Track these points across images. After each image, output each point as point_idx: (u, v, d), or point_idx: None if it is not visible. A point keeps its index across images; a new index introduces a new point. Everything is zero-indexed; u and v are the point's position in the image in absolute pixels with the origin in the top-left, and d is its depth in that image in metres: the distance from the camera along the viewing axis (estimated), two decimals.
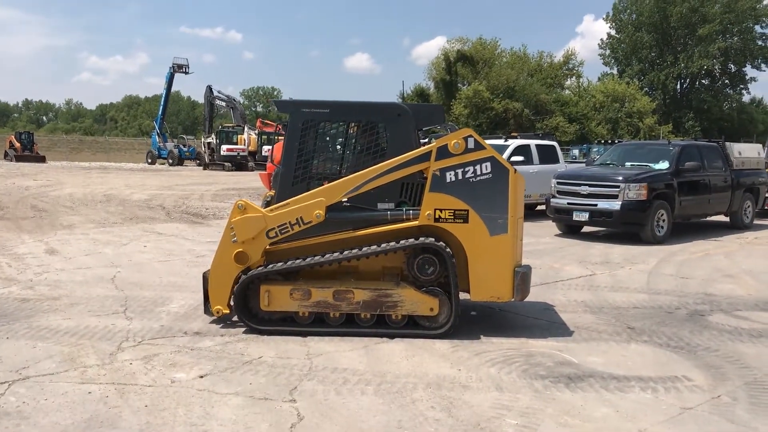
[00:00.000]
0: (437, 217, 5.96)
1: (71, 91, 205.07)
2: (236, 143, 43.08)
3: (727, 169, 13.71)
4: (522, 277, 6.03)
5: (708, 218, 14.31)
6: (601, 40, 76.60)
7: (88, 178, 28.14)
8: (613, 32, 74.37)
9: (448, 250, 5.89)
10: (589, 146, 52.35)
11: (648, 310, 7.21)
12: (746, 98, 75.40)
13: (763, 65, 71.21)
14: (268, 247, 6.11)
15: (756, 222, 15.02)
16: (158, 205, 17.14)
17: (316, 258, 6.05)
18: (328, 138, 6.50)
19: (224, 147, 41.93)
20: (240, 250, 6.07)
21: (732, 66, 71.82)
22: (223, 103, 49.77)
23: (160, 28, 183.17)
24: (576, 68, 75.84)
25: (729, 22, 67.11)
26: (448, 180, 5.95)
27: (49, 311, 6.65)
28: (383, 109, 6.43)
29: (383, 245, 6.00)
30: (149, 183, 25.69)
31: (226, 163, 41.01)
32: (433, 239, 5.93)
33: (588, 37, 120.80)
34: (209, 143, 44.79)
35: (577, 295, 7.82)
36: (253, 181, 28.80)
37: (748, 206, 14.44)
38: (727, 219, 14.51)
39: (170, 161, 48.03)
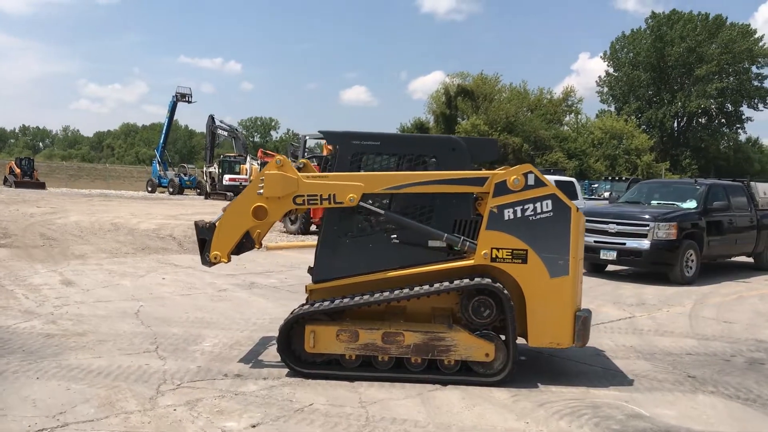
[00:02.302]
0: (494, 256, 5.66)
1: (68, 118, 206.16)
2: (239, 173, 42.82)
3: (752, 209, 13.48)
4: (583, 322, 5.70)
5: (731, 259, 14.04)
6: (599, 77, 77.39)
7: (92, 205, 27.76)
8: (611, 70, 74.94)
9: (506, 292, 5.58)
10: (590, 182, 52.50)
11: (702, 357, 6.88)
12: (742, 137, 75.90)
13: (760, 105, 71.84)
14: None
15: None
16: (168, 235, 16.79)
17: (366, 297, 5.73)
18: (377, 171, 6.20)
19: (227, 177, 41.64)
20: (262, 204, 5.81)
21: (729, 105, 72.36)
22: (225, 133, 49.59)
23: (160, 57, 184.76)
24: (575, 105, 76.41)
25: (726, 63, 67.76)
26: (506, 217, 5.66)
27: (76, 348, 6.30)
28: (436, 143, 6.18)
29: (436, 285, 5.69)
30: (154, 212, 25.32)
31: (228, 193, 40.63)
32: (489, 280, 5.63)
33: (583, 75, 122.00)
34: (211, 172, 44.54)
35: (624, 339, 7.50)
36: None
37: None
38: (750, 260, 14.23)
39: (171, 190, 47.72)
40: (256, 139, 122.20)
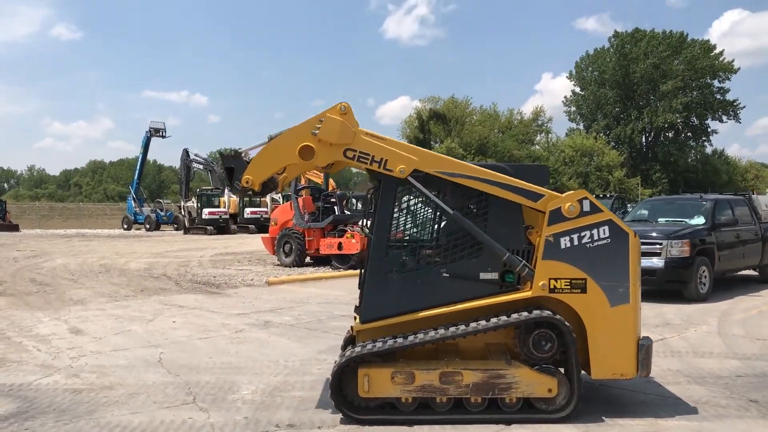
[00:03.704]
0: (552, 287, 5.45)
1: (33, 157, 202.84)
2: (218, 206, 42.37)
3: (756, 222, 13.51)
4: (646, 350, 5.50)
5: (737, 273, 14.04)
6: (565, 97, 78.41)
7: (72, 246, 27.15)
8: (577, 89, 75.94)
9: (568, 324, 5.37)
10: None
11: (754, 378, 6.72)
12: (709, 150, 77.21)
13: (723, 117, 73.28)
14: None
15: None
16: (162, 275, 16.35)
17: (421, 336, 5.47)
18: (422, 204, 5.98)
19: (206, 210, 41.16)
20: (311, 144, 5.52)
21: (694, 119, 73.68)
22: (201, 166, 49.01)
23: (124, 93, 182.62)
24: (545, 124, 77.34)
25: (690, 78, 69.11)
26: (563, 246, 5.46)
27: (109, 404, 5.93)
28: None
29: (494, 320, 5.46)
30: (138, 250, 24.79)
31: (208, 227, 40.18)
32: (549, 312, 5.42)
33: (547, 95, 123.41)
34: (188, 207, 43.95)
35: (666, 363, 7.31)
36: (242, 245, 28.12)
37: None
38: (755, 273, 14.24)
39: (147, 226, 46.98)
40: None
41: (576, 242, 5.46)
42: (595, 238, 5.47)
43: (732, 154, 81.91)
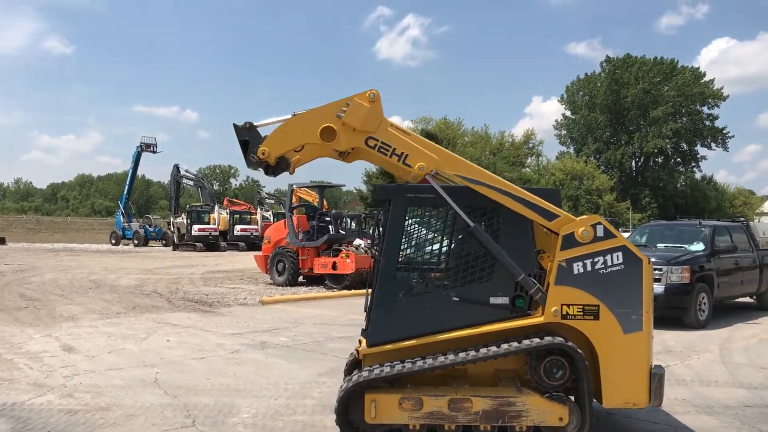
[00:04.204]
0: (564, 313, 5.34)
1: (20, 170, 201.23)
2: (208, 222, 42.07)
3: (754, 249, 13.49)
4: (659, 379, 5.39)
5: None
6: (556, 120, 78.85)
7: (61, 261, 26.83)
8: (568, 113, 76.44)
9: (580, 351, 5.26)
10: None
11: (762, 409, 6.64)
12: (698, 175, 77.67)
13: (712, 144, 73.87)
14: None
15: None
16: (153, 292, 16.13)
17: (430, 361, 5.34)
18: (432, 224, 5.87)
19: (196, 227, 40.77)
20: (334, 126, 5.39)
21: (684, 145, 74.20)
22: (191, 182, 48.85)
23: (114, 107, 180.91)
24: (536, 147, 77.67)
25: (680, 105, 69.74)
26: (575, 271, 5.35)
27: (106, 426, 5.76)
28: None
29: (504, 346, 5.34)
30: (128, 266, 24.52)
31: (197, 244, 39.86)
32: (561, 339, 5.30)
33: (536, 118, 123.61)
34: (177, 223, 43.65)
35: (673, 392, 7.18)
36: (232, 263, 27.90)
37: None
38: (751, 300, 14.20)
39: (136, 242, 46.58)
40: (215, 187, 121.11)
41: (589, 268, 5.36)
42: (609, 264, 5.37)
43: (720, 181, 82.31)
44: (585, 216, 5.55)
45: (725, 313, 13.29)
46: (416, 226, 5.79)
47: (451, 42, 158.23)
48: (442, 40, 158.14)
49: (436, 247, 5.85)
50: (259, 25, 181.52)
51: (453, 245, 5.77)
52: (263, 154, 5.46)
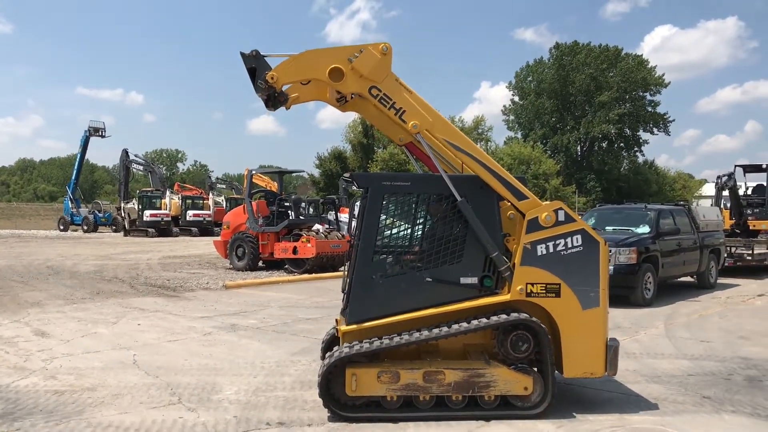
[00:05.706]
0: (529, 291, 5.82)
1: None
2: (159, 208, 41.67)
3: (695, 231, 14.29)
4: (614, 351, 5.95)
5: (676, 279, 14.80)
6: (504, 106, 79.86)
7: (11, 247, 26.44)
8: (516, 99, 77.63)
9: (543, 326, 5.74)
10: None
11: (703, 377, 7.25)
12: (640, 160, 79.83)
13: (654, 129, 76.05)
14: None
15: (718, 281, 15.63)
16: (114, 277, 16.18)
17: (405, 337, 5.76)
18: (408, 211, 6.25)
19: (147, 212, 40.40)
20: (343, 68, 5.71)
21: (627, 130, 76.14)
22: (141, 167, 48.17)
23: (56, 89, 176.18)
24: (485, 132, 78.62)
25: (624, 90, 71.54)
26: (539, 253, 5.84)
27: (96, 404, 6.02)
28: (465, 181, 6.26)
29: (474, 322, 5.79)
30: (82, 253, 24.32)
31: (149, 229, 39.48)
32: (526, 315, 5.78)
33: (485, 103, 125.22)
34: (128, 209, 43.13)
35: (623, 364, 7.65)
36: (188, 248, 27.84)
37: (712, 266, 15.05)
38: (692, 279, 15.04)
39: (85, 227, 45.84)
40: (162, 171, 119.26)
41: (551, 250, 5.85)
42: (569, 246, 5.86)
43: (661, 165, 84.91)
44: (548, 202, 6.02)
45: (669, 291, 14.07)
46: (392, 211, 6.17)
47: (400, 26, 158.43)
48: (391, 24, 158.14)
49: (410, 231, 6.26)
50: (206, 6, 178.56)
51: (426, 229, 6.19)
52: (272, 78, 5.72)
